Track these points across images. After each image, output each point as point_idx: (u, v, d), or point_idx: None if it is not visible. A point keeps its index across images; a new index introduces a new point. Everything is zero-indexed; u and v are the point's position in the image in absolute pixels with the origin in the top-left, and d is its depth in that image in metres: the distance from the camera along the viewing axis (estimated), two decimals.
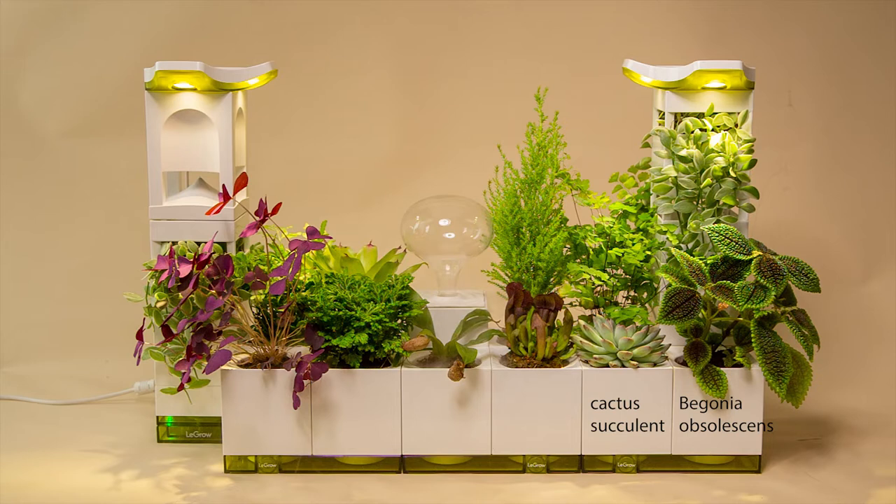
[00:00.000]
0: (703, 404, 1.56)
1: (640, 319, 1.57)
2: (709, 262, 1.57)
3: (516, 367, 1.56)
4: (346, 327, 1.54)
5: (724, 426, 1.56)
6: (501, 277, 1.67)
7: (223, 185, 1.60)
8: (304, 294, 1.56)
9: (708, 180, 1.62)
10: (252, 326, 1.57)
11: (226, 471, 1.58)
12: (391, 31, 2.19)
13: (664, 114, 1.67)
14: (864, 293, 2.13)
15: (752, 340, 1.53)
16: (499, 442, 1.56)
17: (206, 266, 1.53)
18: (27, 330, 2.12)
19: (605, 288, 1.65)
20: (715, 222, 1.63)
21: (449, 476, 1.57)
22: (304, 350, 1.58)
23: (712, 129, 1.64)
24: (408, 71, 2.20)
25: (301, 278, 1.61)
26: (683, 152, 1.63)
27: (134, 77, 1.95)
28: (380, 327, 1.53)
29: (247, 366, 1.57)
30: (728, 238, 1.56)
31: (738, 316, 1.60)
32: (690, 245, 1.66)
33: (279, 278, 1.52)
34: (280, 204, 1.57)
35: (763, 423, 1.56)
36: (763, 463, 1.60)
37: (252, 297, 1.61)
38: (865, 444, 1.70)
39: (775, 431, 1.72)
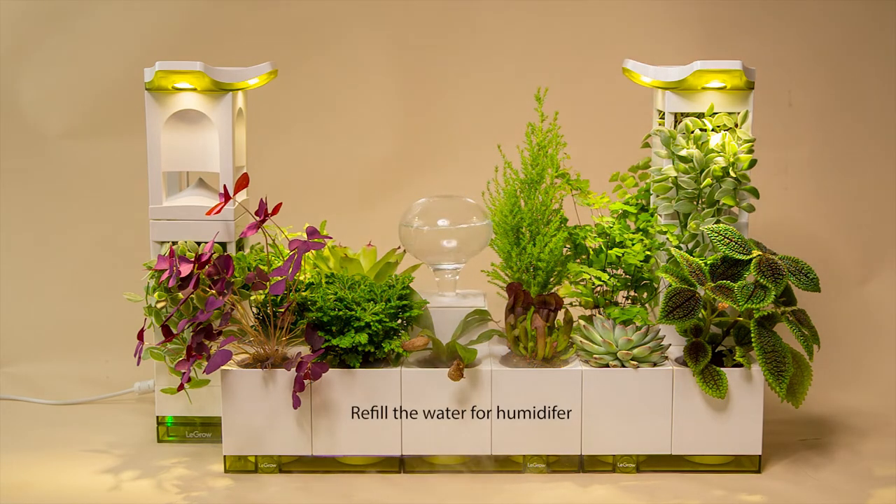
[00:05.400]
0: (703, 404, 1.56)
1: (640, 319, 1.57)
2: (709, 262, 1.57)
3: (516, 367, 1.56)
4: (346, 327, 1.54)
5: (724, 426, 1.56)
6: (501, 277, 1.67)
7: (223, 185, 1.60)
8: (304, 294, 1.56)
9: (708, 180, 1.62)
10: (252, 326, 1.57)
11: (226, 471, 1.58)
12: (391, 31, 2.19)
13: (664, 114, 1.67)
14: (864, 293, 2.13)
15: (752, 340, 1.53)
16: (499, 442, 1.56)
17: (207, 266, 1.53)
18: (27, 330, 2.12)
19: (605, 288, 1.65)
20: (715, 222, 1.63)
21: (449, 476, 1.57)
22: (304, 350, 1.58)
23: (712, 129, 1.64)
24: (408, 71, 2.20)
25: (301, 278, 1.61)
26: (683, 152, 1.63)
27: (134, 77, 1.95)
28: (380, 327, 1.53)
29: (247, 366, 1.57)
30: (728, 238, 1.56)
31: (738, 316, 1.60)
32: (690, 245, 1.66)
33: (279, 278, 1.52)
34: (280, 204, 1.57)
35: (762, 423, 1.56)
36: (763, 463, 1.60)
37: (252, 297, 1.61)
38: (865, 444, 1.70)
39: (775, 431, 1.72)
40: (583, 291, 1.65)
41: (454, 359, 1.55)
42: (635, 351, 1.55)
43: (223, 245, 1.67)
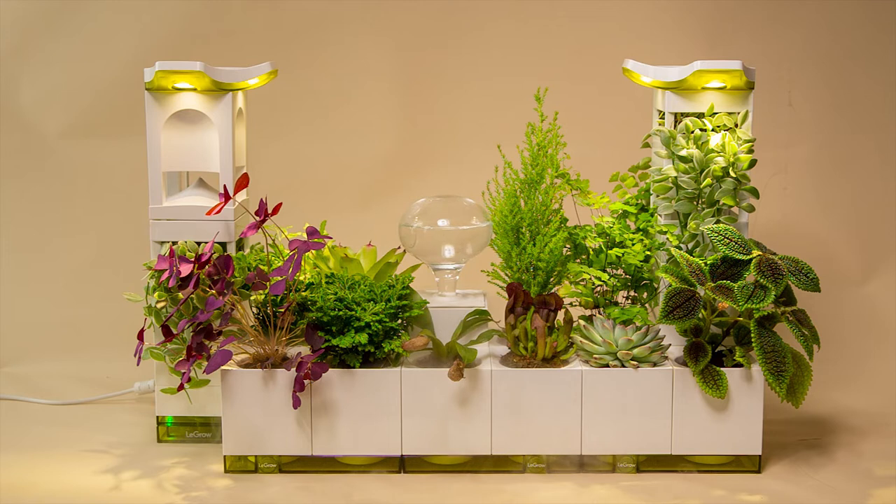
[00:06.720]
0: (703, 404, 1.55)
1: (640, 319, 1.57)
2: (709, 262, 1.57)
3: (516, 367, 1.56)
4: (346, 327, 1.54)
5: (724, 426, 1.56)
6: (501, 277, 1.67)
7: (223, 185, 1.60)
8: (304, 294, 1.56)
9: (708, 180, 1.62)
10: (252, 326, 1.57)
11: (226, 471, 1.58)
12: (391, 30, 2.19)
13: (664, 114, 1.67)
14: (864, 293, 2.13)
15: (752, 340, 1.53)
16: (499, 442, 1.56)
17: (207, 266, 1.53)
18: (27, 330, 2.12)
19: (605, 288, 1.65)
20: (715, 222, 1.63)
21: (449, 476, 1.57)
22: (304, 350, 1.58)
23: (712, 129, 1.64)
24: (408, 71, 2.20)
25: (301, 278, 1.61)
26: (683, 152, 1.63)
27: (134, 77, 1.95)
28: (380, 327, 1.53)
29: (247, 366, 1.57)
30: (728, 238, 1.56)
31: (738, 316, 1.60)
32: (690, 245, 1.66)
33: (279, 278, 1.52)
34: (280, 204, 1.57)
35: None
36: (763, 463, 1.60)
37: (252, 297, 1.61)
38: (865, 444, 1.70)
39: (775, 431, 1.72)
40: (583, 291, 1.65)
41: (454, 359, 1.55)
42: (635, 351, 1.55)
43: (223, 245, 1.67)
